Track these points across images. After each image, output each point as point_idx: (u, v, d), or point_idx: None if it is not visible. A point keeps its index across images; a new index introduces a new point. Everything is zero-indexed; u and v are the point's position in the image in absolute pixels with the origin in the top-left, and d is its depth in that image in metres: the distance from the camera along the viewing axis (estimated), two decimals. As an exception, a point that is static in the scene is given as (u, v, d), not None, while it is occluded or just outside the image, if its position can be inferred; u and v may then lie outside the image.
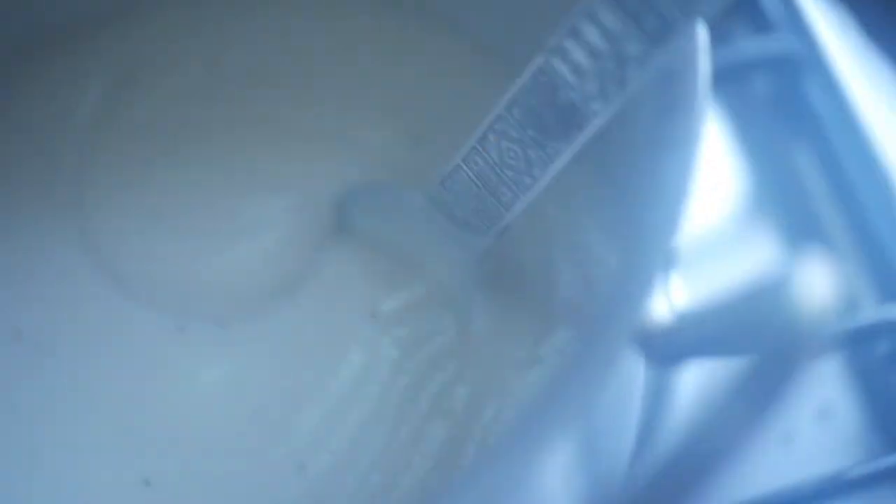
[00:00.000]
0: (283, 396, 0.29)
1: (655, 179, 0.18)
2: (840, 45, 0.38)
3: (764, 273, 0.16)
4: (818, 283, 0.15)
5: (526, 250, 0.29)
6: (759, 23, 0.39)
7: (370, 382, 0.29)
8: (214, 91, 0.33)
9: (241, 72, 0.33)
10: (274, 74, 0.33)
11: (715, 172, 0.39)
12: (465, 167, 0.25)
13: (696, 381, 0.17)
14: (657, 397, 0.21)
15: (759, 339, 0.17)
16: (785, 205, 0.37)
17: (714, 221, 0.38)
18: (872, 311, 0.34)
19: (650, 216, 0.18)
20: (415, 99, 0.32)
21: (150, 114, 0.33)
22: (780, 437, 0.34)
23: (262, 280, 0.31)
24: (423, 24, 0.32)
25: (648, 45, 0.20)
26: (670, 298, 0.19)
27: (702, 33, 0.20)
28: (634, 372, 0.22)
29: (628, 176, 0.20)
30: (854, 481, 0.31)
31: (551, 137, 0.22)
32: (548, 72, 0.22)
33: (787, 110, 0.39)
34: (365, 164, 0.31)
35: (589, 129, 0.22)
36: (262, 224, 0.31)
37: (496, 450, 0.19)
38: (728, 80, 0.39)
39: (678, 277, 0.35)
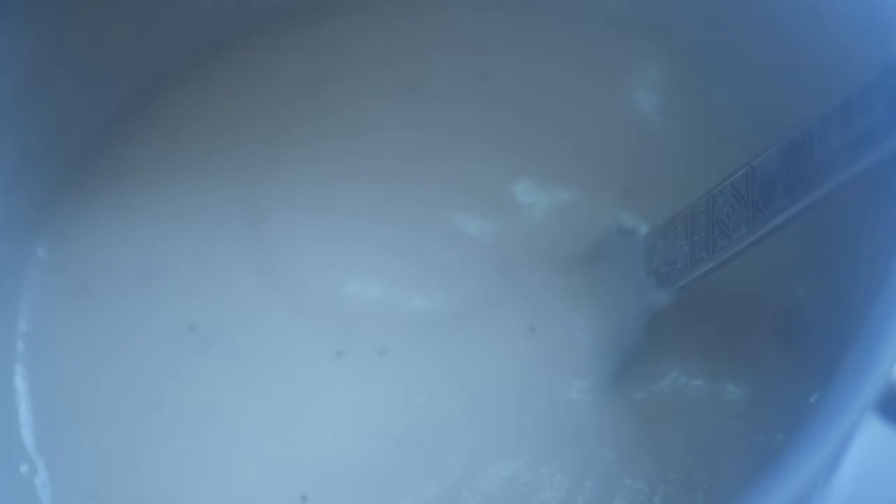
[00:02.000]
0: (435, 426, 0.28)
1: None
2: None
3: None
4: None
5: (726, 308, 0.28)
6: None
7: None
8: (408, 108, 0.32)
9: (438, 94, 0.32)
10: (472, 100, 0.32)
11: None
12: (687, 219, 0.25)
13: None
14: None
15: None
16: None
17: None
18: None
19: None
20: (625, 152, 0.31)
21: (336, 122, 0.32)
22: None
23: (426, 310, 0.30)
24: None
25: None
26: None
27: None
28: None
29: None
30: None
31: (775, 203, 0.22)
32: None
33: None
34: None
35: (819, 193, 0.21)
36: (435, 260, 0.30)
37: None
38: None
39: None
